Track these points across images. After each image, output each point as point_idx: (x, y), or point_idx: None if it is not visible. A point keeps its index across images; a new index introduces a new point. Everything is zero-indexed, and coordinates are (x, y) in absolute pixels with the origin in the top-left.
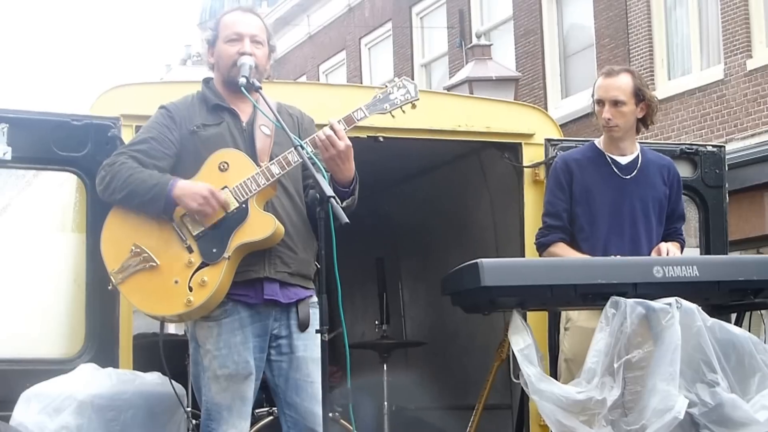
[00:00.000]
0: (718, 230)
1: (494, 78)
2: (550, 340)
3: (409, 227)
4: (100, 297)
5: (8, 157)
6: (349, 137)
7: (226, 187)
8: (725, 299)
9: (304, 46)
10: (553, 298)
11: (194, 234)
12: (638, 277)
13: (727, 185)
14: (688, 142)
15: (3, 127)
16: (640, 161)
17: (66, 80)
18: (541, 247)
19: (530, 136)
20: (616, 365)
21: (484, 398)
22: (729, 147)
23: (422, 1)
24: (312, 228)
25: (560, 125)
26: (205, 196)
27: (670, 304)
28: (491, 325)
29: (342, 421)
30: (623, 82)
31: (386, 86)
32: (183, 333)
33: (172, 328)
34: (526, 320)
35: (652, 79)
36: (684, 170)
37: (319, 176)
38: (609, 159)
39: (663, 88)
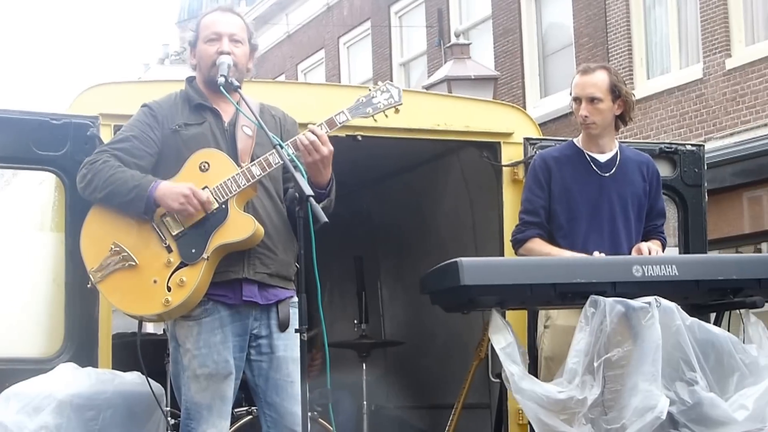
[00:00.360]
0: (698, 229)
1: (473, 77)
2: (529, 340)
3: (388, 226)
4: (80, 296)
5: None
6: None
7: (206, 187)
8: (704, 298)
9: (283, 45)
10: (533, 297)
11: (174, 234)
12: (617, 276)
13: (706, 184)
14: (668, 141)
15: None
16: (618, 158)
17: (45, 79)
18: (517, 243)
19: (509, 135)
20: (595, 364)
21: (463, 397)
22: (708, 146)
23: (401, 0)
24: (292, 228)
25: (539, 124)
26: (186, 195)
27: (649, 303)
28: (470, 324)
29: (321, 420)
30: (599, 79)
31: (370, 90)
32: (162, 332)
33: (150, 328)
34: (505, 319)
35: (631, 78)
36: (663, 169)
37: (298, 175)
38: (588, 157)
39: (642, 87)
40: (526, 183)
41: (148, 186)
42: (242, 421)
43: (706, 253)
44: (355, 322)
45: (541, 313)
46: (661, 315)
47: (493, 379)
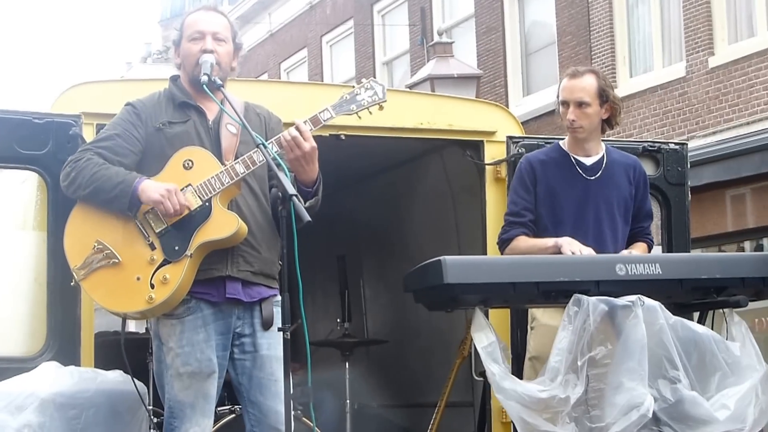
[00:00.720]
0: (681, 228)
1: (456, 76)
2: (512, 338)
3: (371, 225)
4: (62, 295)
5: None
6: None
7: (190, 185)
8: (688, 297)
9: (266, 43)
10: (516, 296)
11: (157, 231)
12: (601, 275)
13: (689, 183)
14: (651, 139)
15: None
16: (605, 162)
17: (27, 78)
18: (503, 243)
19: (492, 133)
20: (579, 363)
21: (446, 396)
22: (691, 144)
23: None
24: (276, 227)
25: (522, 123)
26: (169, 189)
27: (632, 302)
28: (453, 322)
29: (304, 419)
30: (587, 83)
31: (354, 87)
32: (144, 331)
33: (132, 326)
34: (488, 318)
35: (614, 77)
36: (646, 168)
37: (281, 175)
38: (574, 160)
39: (625, 86)
40: (511, 186)
41: (133, 182)
42: (225, 420)
43: (689, 251)
44: (338, 320)
45: (529, 315)
46: (644, 314)
47: (476, 378)
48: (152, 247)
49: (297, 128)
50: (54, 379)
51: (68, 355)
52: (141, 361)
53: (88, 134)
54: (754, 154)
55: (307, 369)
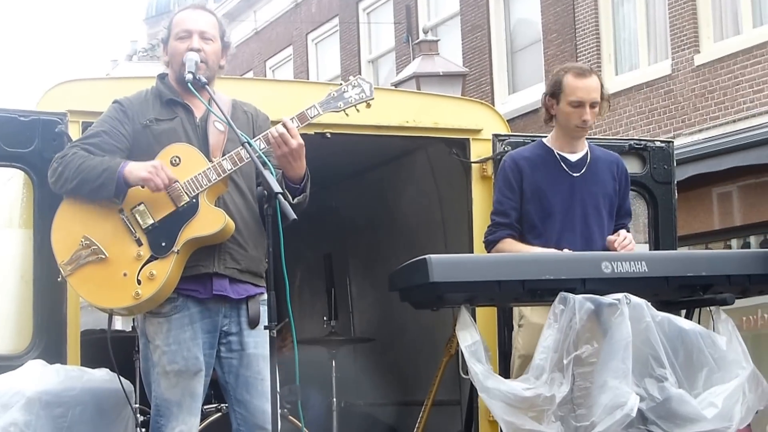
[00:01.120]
0: (667, 226)
1: (441, 74)
2: (499, 336)
3: (358, 223)
4: (48, 293)
5: None
6: None
7: (177, 181)
8: (674, 295)
9: (251, 41)
10: (501, 294)
11: (144, 227)
12: (587, 273)
13: (675, 181)
14: (637, 137)
15: None
16: (589, 158)
17: (12, 76)
18: (490, 244)
19: (478, 131)
20: (565, 361)
21: (433, 394)
22: (676, 142)
23: None
24: (263, 225)
25: (507, 120)
26: (155, 165)
27: (619, 300)
28: (440, 320)
29: (290, 417)
30: (596, 83)
31: (341, 84)
32: (131, 329)
33: (119, 324)
34: (475, 316)
35: (600, 74)
36: (633, 166)
37: (266, 172)
38: (559, 157)
39: (610, 84)
40: (496, 184)
41: (117, 167)
42: (212, 418)
43: (675, 249)
44: (325, 319)
45: (515, 312)
46: (630, 312)
47: (463, 376)
48: (139, 243)
49: (284, 125)
50: (40, 377)
51: (54, 353)
52: (127, 359)
53: (74, 132)
54: (741, 152)
55: (292, 369)
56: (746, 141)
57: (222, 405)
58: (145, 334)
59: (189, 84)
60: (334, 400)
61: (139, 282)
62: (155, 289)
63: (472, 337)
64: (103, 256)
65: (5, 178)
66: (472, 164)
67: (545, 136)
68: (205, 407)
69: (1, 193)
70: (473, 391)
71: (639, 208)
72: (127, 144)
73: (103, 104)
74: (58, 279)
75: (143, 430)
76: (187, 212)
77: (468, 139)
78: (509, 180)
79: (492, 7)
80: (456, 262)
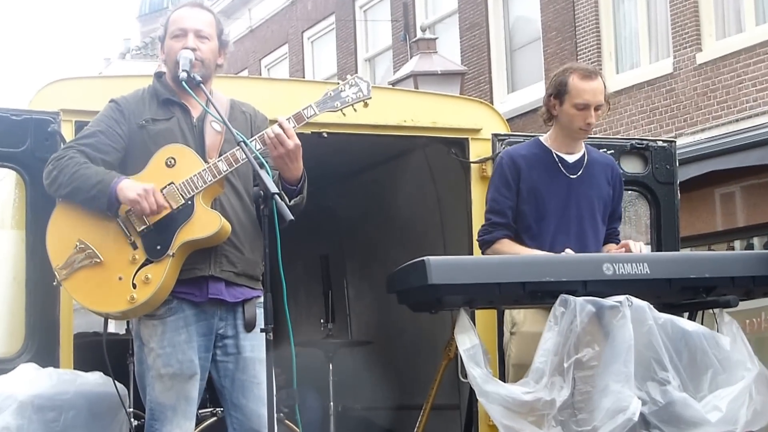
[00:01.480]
0: (670, 227)
1: (439, 72)
2: (499, 340)
3: (355, 224)
4: (41, 295)
5: None
6: None
7: (172, 182)
8: (677, 297)
9: (246, 40)
10: (501, 297)
11: (139, 230)
12: (588, 275)
13: (678, 181)
14: (638, 137)
15: None
16: (586, 160)
17: (4, 75)
18: (485, 244)
19: (477, 131)
20: (565, 365)
21: (431, 398)
22: (679, 142)
23: None
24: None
25: (507, 120)
26: (147, 189)
27: (620, 302)
28: (439, 323)
29: (287, 422)
30: (602, 85)
31: (338, 84)
32: (125, 332)
33: (112, 327)
34: (474, 319)
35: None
36: (634, 166)
37: (263, 172)
38: (556, 157)
39: (611, 82)
40: (492, 182)
41: (111, 182)
42: (207, 423)
43: (678, 250)
44: (322, 321)
45: (506, 319)
46: (632, 314)
47: (462, 380)
48: (134, 246)
49: (280, 125)
50: (32, 380)
51: (47, 357)
52: (121, 362)
53: (67, 131)
54: (744, 152)
55: (290, 373)
56: (749, 140)
57: (218, 409)
58: (139, 336)
59: (183, 83)
60: (332, 403)
61: (134, 286)
62: (150, 293)
63: (471, 340)
64: (98, 260)
65: None
66: (471, 164)
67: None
68: (201, 411)
69: None
70: (472, 395)
71: (641, 208)
72: (123, 144)
73: (97, 103)
74: (54, 283)
75: None
76: (182, 215)
77: (467, 138)
78: (506, 178)
79: (491, 4)
80: (455, 264)
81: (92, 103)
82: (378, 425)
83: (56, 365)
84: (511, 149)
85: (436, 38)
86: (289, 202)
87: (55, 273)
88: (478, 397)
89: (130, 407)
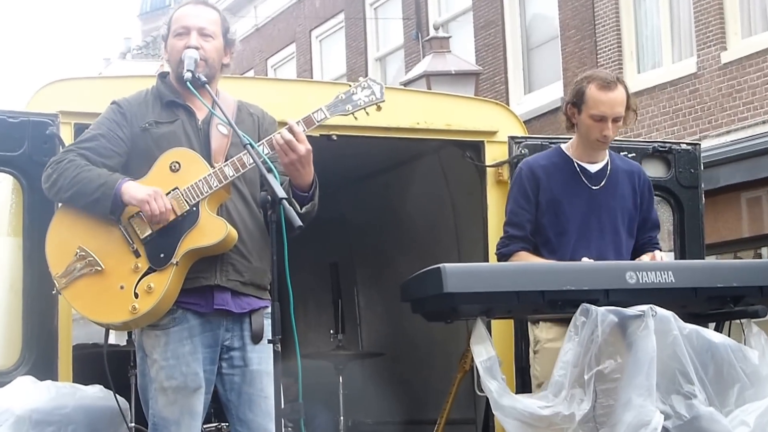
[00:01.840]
0: (694, 233)
1: (453, 72)
2: (516, 351)
3: (366, 230)
4: (38, 304)
5: None
6: None
7: (176, 188)
8: (703, 307)
9: (251, 38)
10: (520, 306)
11: (142, 237)
12: (610, 284)
13: (702, 185)
14: (661, 139)
15: None
16: (609, 169)
17: (0, 75)
18: (503, 257)
19: (493, 133)
20: (586, 377)
21: (446, 412)
22: (703, 144)
23: None
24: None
25: (524, 122)
26: (156, 190)
27: (644, 312)
28: (454, 333)
29: None
30: (622, 96)
31: (350, 86)
32: (125, 343)
33: (113, 338)
34: (491, 329)
35: (621, 73)
36: (657, 170)
37: (270, 177)
38: (578, 167)
39: (632, 82)
40: (511, 193)
41: (115, 184)
42: None
43: (703, 258)
44: (331, 332)
45: (531, 337)
46: (657, 324)
47: (479, 393)
48: (137, 254)
49: (291, 130)
50: (30, 394)
51: (45, 369)
52: (122, 374)
53: (66, 134)
54: None
55: (298, 384)
56: None
57: (223, 424)
58: (142, 347)
59: (187, 83)
60: (342, 418)
61: (136, 295)
62: (153, 302)
63: (487, 351)
64: (99, 268)
65: None
66: (487, 168)
67: (565, 140)
68: (205, 426)
69: None
70: (489, 410)
71: (664, 214)
72: (125, 148)
73: (97, 104)
74: (53, 292)
75: None
76: (186, 221)
77: (482, 141)
78: (525, 189)
79: (506, 1)
80: (471, 272)
81: (92, 104)
82: None
83: (54, 378)
84: (531, 159)
85: (450, 37)
86: (301, 209)
87: (54, 281)
88: (493, 411)
89: (131, 422)
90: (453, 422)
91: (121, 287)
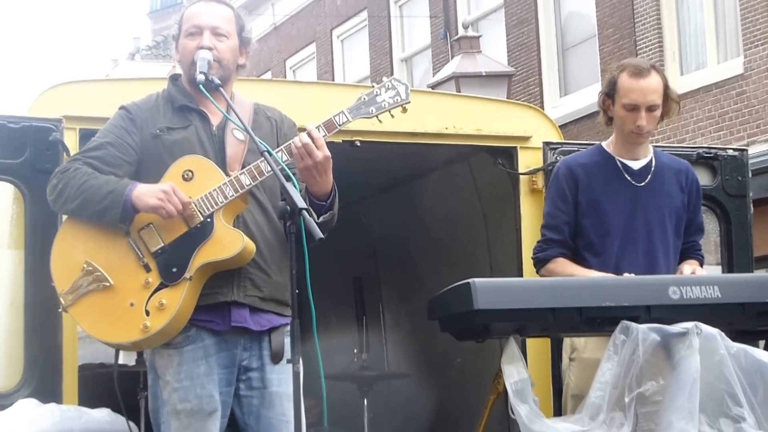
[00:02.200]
0: (742, 245)
1: (484, 74)
2: (553, 371)
3: (391, 242)
4: (41, 322)
5: None
6: None
7: (189, 198)
8: (751, 324)
9: (269, 38)
10: (556, 323)
11: (152, 251)
12: (652, 299)
13: (750, 194)
14: (706, 145)
15: None
16: (653, 165)
17: (2, 78)
18: (539, 263)
19: (526, 139)
20: (626, 399)
21: None
22: (751, 150)
23: None
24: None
25: (559, 126)
26: (166, 191)
27: (688, 330)
28: (485, 353)
29: None
30: (656, 83)
31: (373, 87)
32: (134, 363)
33: (121, 358)
34: (525, 348)
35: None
36: (702, 177)
37: (289, 185)
38: (620, 164)
39: (675, 85)
40: (548, 194)
41: (124, 190)
42: None
43: (752, 271)
44: (355, 351)
45: (566, 343)
46: (702, 343)
47: (512, 416)
48: (147, 268)
49: (309, 135)
50: (32, 418)
51: (49, 391)
52: (132, 397)
53: (71, 140)
54: None
55: (319, 407)
56: None
57: None
58: (154, 368)
59: (200, 86)
60: None
61: (147, 313)
62: (165, 321)
63: (519, 373)
64: (108, 284)
65: None
66: (521, 176)
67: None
68: None
69: None
70: None
71: (709, 225)
72: (135, 156)
73: (104, 109)
74: (59, 310)
75: None
76: (200, 233)
77: (515, 147)
78: (563, 190)
79: None
80: (503, 287)
81: (98, 108)
82: None
83: (59, 401)
84: (569, 158)
85: (480, 36)
86: (317, 219)
87: (60, 298)
88: None
89: None
90: None
91: (131, 304)
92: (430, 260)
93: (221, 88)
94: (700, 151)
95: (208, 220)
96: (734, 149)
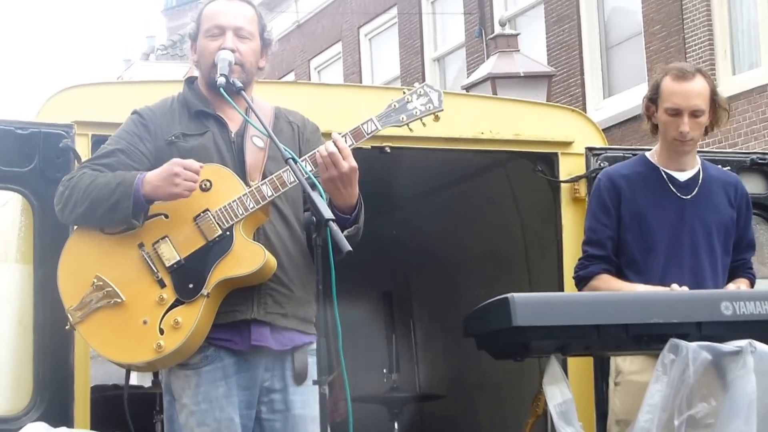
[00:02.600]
0: None
1: (522, 74)
2: (596, 392)
3: (423, 255)
4: (51, 341)
5: None
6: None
7: (207, 210)
8: None
9: (292, 37)
10: (600, 341)
11: (168, 265)
12: (703, 316)
13: None
14: (760, 150)
15: None
16: (701, 178)
17: (10, 82)
18: (581, 281)
19: (568, 144)
20: (676, 422)
21: None
22: None
23: None
24: (311, 259)
25: (603, 130)
26: (175, 172)
27: (742, 348)
28: (525, 373)
29: None
30: (701, 87)
31: (404, 92)
32: (150, 384)
33: (135, 379)
34: (566, 368)
35: (713, 75)
36: (755, 185)
37: (315, 195)
38: (665, 175)
39: (727, 85)
40: (589, 208)
41: (134, 180)
42: None
43: None
44: (385, 371)
45: (612, 367)
46: (756, 362)
47: None
48: (162, 284)
49: (335, 143)
50: None
51: (59, 414)
52: (147, 420)
53: (82, 147)
54: None
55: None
56: None
57: None
58: (170, 390)
59: (221, 89)
60: None
61: (161, 332)
62: (181, 340)
63: (563, 394)
64: (119, 300)
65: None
66: (562, 184)
67: (648, 149)
68: None
69: None
70: None
71: (764, 235)
72: (148, 164)
73: (116, 113)
74: (66, 327)
75: None
76: (219, 247)
77: (556, 153)
78: (605, 203)
79: None
80: (545, 302)
81: (111, 113)
82: None
83: (70, 424)
84: (611, 169)
85: (518, 34)
86: (342, 232)
87: (68, 315)
88: None
89: None
90: None
91: (144, 322)
92: (465, 274)
93: (242, 92)
94: (754, 156)
95: (227, 233)
96: None
